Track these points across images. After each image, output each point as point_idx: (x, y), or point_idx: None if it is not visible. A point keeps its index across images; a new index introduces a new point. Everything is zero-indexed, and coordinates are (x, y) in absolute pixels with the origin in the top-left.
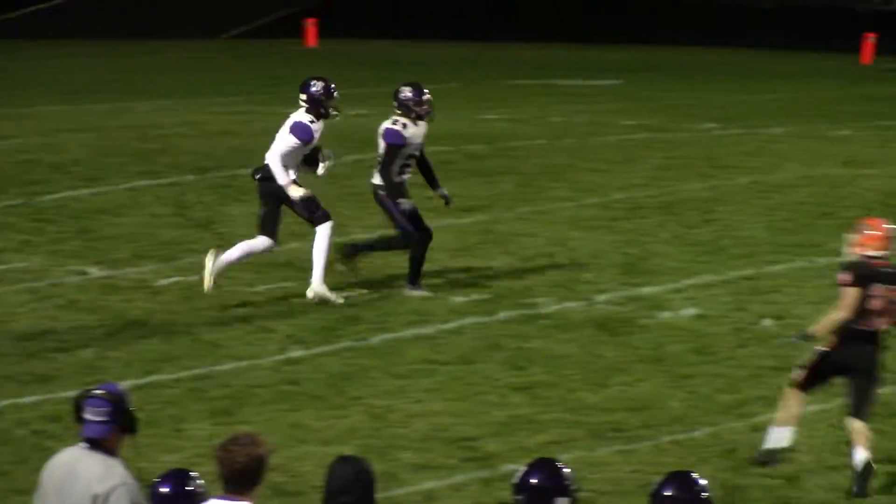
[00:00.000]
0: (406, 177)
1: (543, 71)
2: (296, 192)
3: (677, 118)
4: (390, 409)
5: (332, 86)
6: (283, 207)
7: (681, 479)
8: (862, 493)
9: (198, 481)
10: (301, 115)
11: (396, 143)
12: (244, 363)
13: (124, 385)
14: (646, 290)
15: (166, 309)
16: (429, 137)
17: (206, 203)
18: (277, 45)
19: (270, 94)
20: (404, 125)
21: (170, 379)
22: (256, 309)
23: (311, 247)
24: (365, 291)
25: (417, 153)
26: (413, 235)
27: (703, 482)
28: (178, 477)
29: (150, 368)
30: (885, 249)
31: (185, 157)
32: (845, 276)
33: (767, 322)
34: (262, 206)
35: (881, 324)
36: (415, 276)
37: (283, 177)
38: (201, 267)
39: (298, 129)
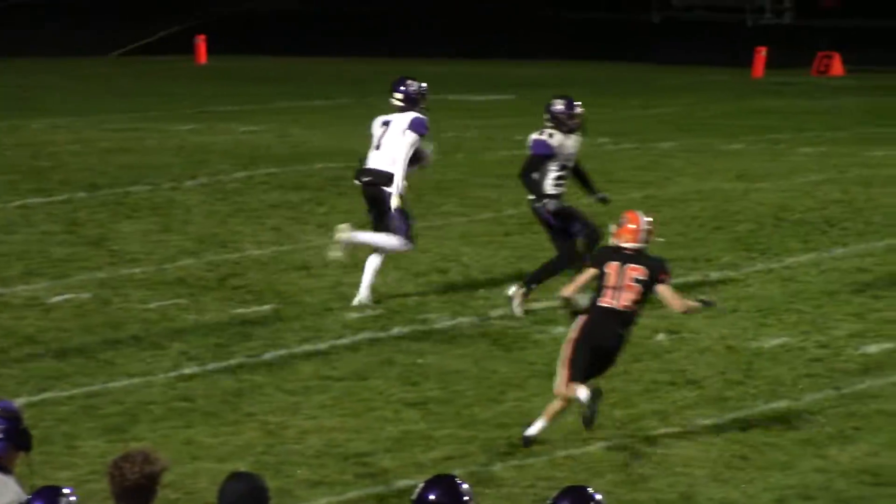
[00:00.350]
0: (562, 190)
1: (435, 86)
2: (395, 202)
3: None
4: (284, 426)
5: (424, 84)
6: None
7: (576, 494)
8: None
9: (70, 498)
10: (410, 114)
11: (539, 152)
12: (137, 380)
13: (18, 402)
14: (539, 305)
15: (58, 326)
16: (323, 153)
17: (99, 220)
18: (169, 62)
19: (163, 111)
20: (550, 135)
21: (63, 396)
22: (149, 326)
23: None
24: (258, 308)
25: (570, 164)
26: (571, 253)
27: (598, 497)
28: (50, 494)
29: (44, 385)
30: (638, 242)
31: (77, 174)
32: (586, 261)
33: (661, 336)
34: (371, 210)
35: (625, 301)
36: (533, 279)
37: (400, 183)
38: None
39: (420, 125)
